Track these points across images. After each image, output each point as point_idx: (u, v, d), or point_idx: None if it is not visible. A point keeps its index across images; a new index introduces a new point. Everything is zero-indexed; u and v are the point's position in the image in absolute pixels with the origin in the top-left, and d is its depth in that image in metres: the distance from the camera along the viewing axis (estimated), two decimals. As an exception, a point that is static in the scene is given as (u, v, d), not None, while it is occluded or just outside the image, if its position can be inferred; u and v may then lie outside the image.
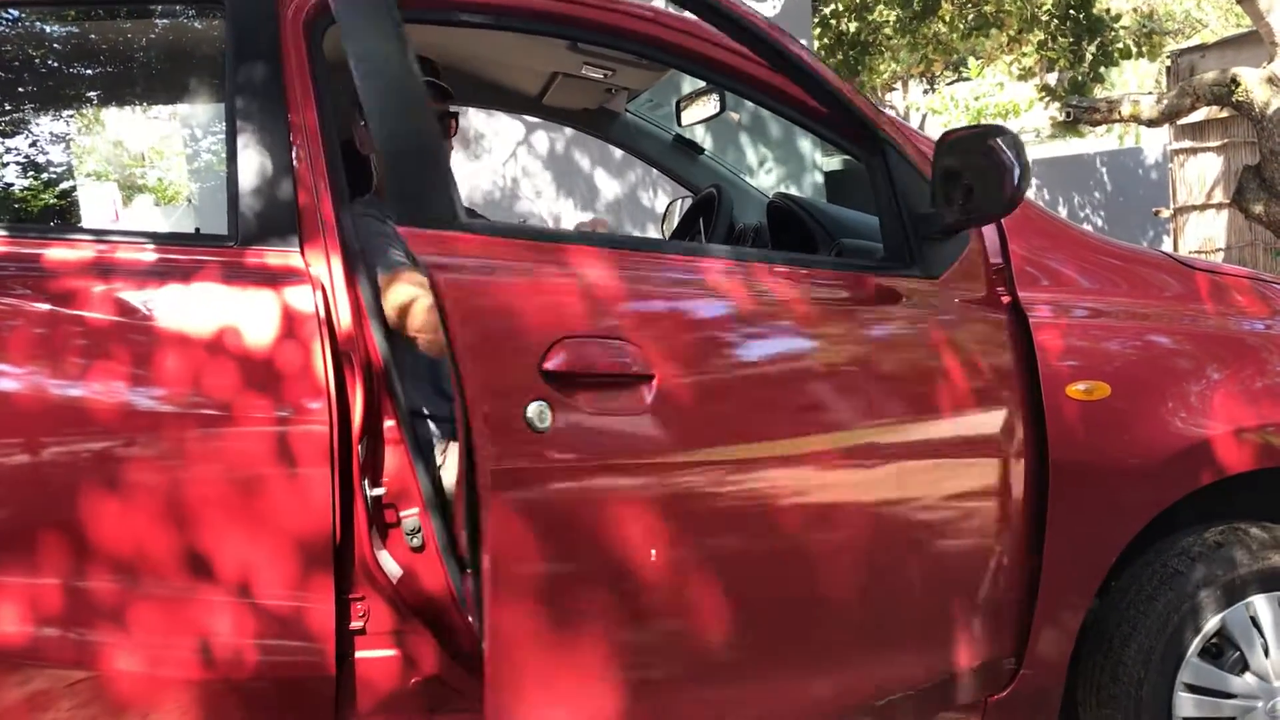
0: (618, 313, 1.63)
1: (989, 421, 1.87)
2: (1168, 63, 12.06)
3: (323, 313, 1.69)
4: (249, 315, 1.67)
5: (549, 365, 1.52)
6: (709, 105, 2.75)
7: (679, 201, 3.35)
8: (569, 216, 7.78)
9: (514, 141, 7.69)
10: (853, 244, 2.11)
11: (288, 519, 1.65)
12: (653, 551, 1.61)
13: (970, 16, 11.04)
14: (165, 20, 2.21)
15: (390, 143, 1.60)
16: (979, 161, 1.74)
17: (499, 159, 7.70)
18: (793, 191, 7.46)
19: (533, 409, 1.50)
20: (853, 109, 1.91)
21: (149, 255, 1.74)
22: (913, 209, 1.88)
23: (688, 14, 1.97)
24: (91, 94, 2.92)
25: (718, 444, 1.68)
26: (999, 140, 1.73)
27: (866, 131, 1.93)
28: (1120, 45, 10.32)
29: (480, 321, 1.50)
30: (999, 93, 19.41)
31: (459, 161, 7.59)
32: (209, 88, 2.76)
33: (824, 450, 1.78)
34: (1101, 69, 10.43)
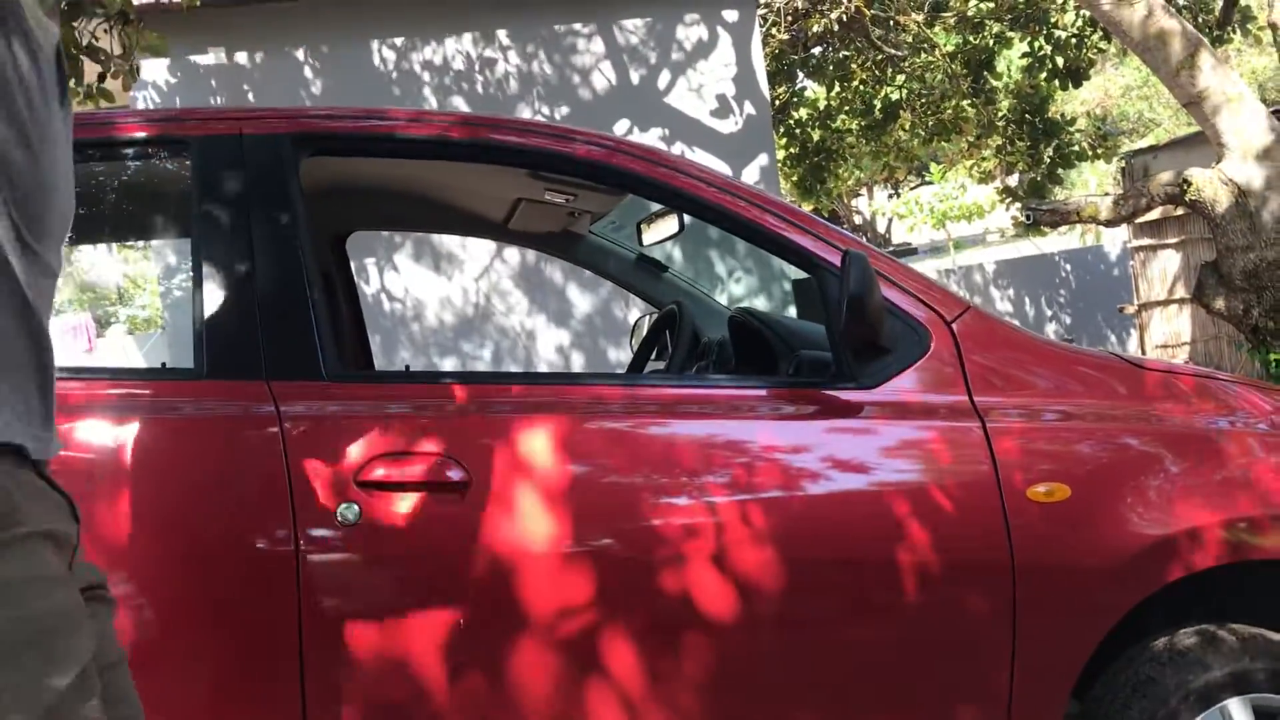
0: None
1: (947, 529, 1.88)
2: (1122, 163, 12.40)
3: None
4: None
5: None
6: (669, 225, 2.82)
7: (646, 317, 3.40)
8: (543, 332, 7.85)
9: (486, 258, 7.80)
10: (811, 355, 2.15)
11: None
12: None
13: (930, 123, 11.38)
14: (136, 162, 2.27)
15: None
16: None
17: (470, 276, 7.80)
18: (757, 304, 7.59)
19: None
20: (785, 243, 2.01)
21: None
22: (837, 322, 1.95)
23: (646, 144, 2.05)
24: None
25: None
26: (848, 263, 1.84)
27: (803, 260, 2.02)
28: (1076, 148, 10.65)
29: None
30: (961, 195, 19.92)
31: (431, 280, 7.68)
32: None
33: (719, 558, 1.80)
34: (1059, 170, 10.73)
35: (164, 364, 3.45)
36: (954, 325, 2.03)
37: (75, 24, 5.15)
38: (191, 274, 1.90)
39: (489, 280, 7.84)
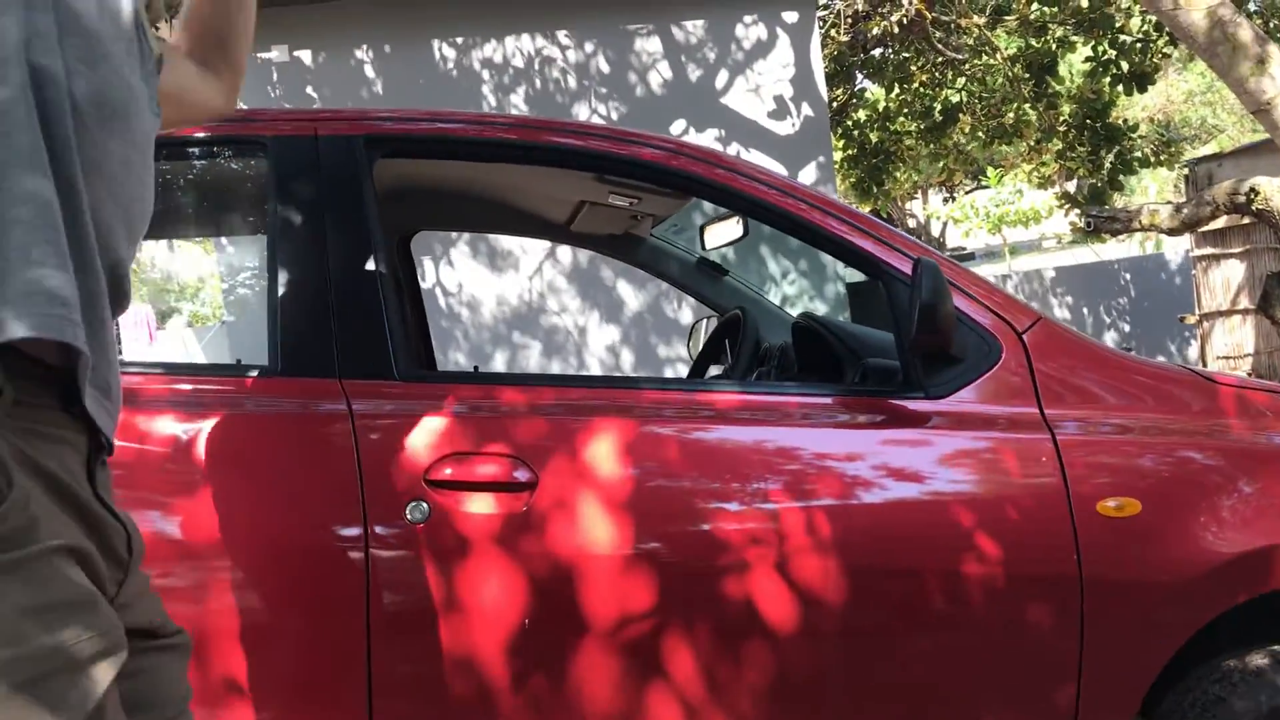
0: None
1: (1016, 541, 1.87)
2: (1186, 170, 12.19)
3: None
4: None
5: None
6: (732, 229, 2.82)
7: (704, 320, 3.40)
8: (594, 329, 7.88)
9: (539, 255, 7.84)
10: (877, 363, 2.14)
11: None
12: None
13: (990, 127, 11.25)
14: (212, 159, 2.31)
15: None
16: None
17: (525, 274, 7.84)
18: (814, 307, 7.55)
19: None
20: (851, 249, 2.00)
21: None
22: (907, 330, 1.94)
23: (708, 146, 2.07)
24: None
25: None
26: (920, 271, 1.83)
27: (870, 266, 2.01)
28: (1138, 154, 10.47)
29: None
30: (1018, 200, 19.68)
31: (486, 277, 7.73)
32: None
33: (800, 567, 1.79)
34: (1120, 176, 10.56)
35: (238, 360, 3.50)
36: (1025, 336, 2.02)
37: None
38: (267, 272, 1.93)
39: (542, 277, 7.88)
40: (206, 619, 1.72)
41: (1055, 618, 1.86)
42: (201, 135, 2.05)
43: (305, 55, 7.67)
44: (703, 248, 3.07)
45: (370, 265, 1.94)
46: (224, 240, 7.69)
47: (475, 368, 7.31)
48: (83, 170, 1.01)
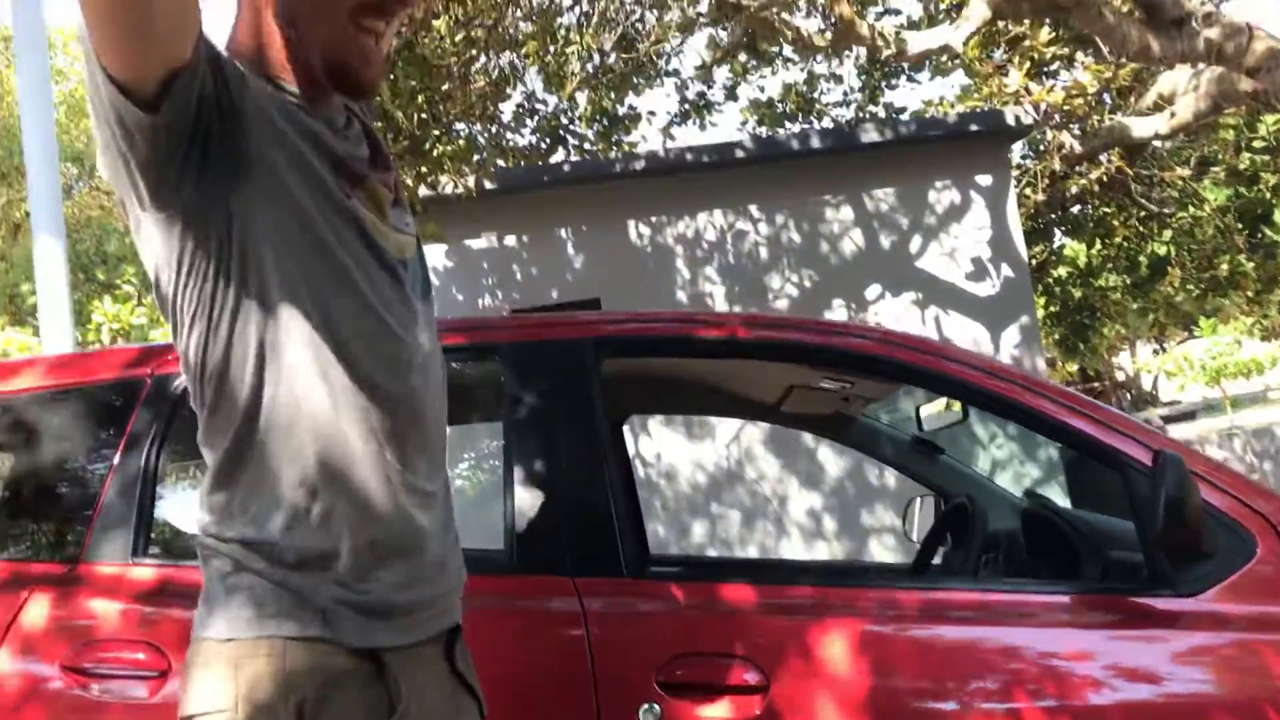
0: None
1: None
2: None
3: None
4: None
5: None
6: (950, 412, 2.78)
7: (918, 499, 3.32)
8: (794, 495, 7.78)
9: (736, 423, 7.87)
10: (1119, 557, 2.04)
11: None
12: None
13: (1203, 279, 10.80)
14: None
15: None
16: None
17: (722, 441, 7.88)
18: (1026, 481, 7.25)
19: None
20: (1076, 435, 1.94)
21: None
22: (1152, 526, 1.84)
23: (918, 335, 2.08)
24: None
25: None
26: (1163, 465, 1.74)
27: (1101, 454, 1.95)
28: (1372, 301, 9.79)
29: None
30: (1238, 351, 18.61)
31: (683, 445, 7.80)
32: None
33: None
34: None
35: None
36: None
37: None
38: (503, 470, 2.01)
39: (739, 444, 7.90)
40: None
41: None
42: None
43: (511, 240, 8.13)
44: (919, 429, 3.03)
45: (599, 463, 2.00)
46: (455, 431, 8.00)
47: (687, 557, 7.32)
48: None
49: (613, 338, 2.16)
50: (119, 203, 1.21)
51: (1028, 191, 9.68)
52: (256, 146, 1.17)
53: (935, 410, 2.87)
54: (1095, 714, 1.75)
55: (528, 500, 1.98)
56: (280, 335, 1.17)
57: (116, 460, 2.02)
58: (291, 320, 1.17)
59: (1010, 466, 7.35)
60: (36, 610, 1.86)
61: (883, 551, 7.59)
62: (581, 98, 9.95)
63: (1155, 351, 21.32)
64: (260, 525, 1.17)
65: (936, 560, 2.84)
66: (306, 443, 1.18)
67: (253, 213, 1.16)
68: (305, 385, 1.18)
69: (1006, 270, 8.20)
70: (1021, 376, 2.10)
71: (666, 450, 7.88)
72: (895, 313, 8.07)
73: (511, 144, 9.66)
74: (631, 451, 7.86)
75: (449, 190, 7.19)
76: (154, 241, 1.18)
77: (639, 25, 9.21)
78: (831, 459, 7.79)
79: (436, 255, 7.97)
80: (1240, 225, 9.61)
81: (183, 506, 2.21)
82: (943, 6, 9.28)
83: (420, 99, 5.39)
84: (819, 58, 9.31)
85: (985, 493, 2.93)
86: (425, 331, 1.34)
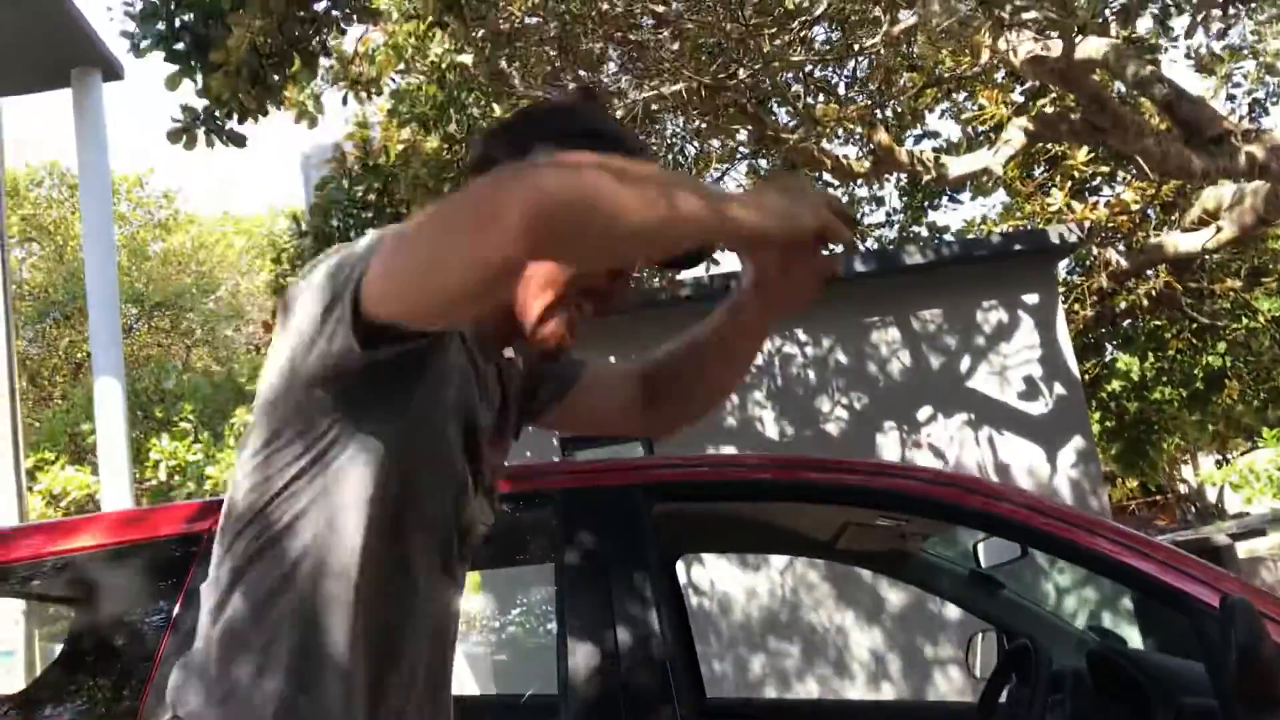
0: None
1: None
2: None
3: None
4: None
5: None
6: (1010, 548, 2.73)
7: (979, 635, 3.24)
8: (853, 629, 7.61)
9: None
10: (1195, 705, 1.97)
11: None
12: None
13: (1262, 390, 10.62)
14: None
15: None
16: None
17: (777, 569, 7.76)
18: (1086, 613, 7.04)
19: None
20: (1137, 576, 1.91)
21: None
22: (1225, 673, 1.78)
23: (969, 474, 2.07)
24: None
25: None
26: (1233, 612, 1.70)
27: (1166, 596, 1.91)
28: None
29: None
30: (1305, 461, 18.12)
31: (738, 576, 7.68)
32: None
33: None
34: None
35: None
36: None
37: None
38: (556, 625, 2.01)
39: (794, 573, 7.77)
40: None
41: None
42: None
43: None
44: (977, 565, 2.98)
45: (653, 613, 1.99)
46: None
47: (747, 701, 7.13)
48: None
49: (664, 483, 2.18)
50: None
51: (1076, 307, 9.65)
52: (420, 397, 1.18)
53: (995, 545, 2.82)
54: None
55: (582, 658, 1.97)
56: (333, 542, 1.17)
57: (175, 614, 2.04)
58: (348, 533, 1.17)
59: (1075, 593, 7.14)
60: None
61: (945, 685, 7.36)
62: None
63: (1218, 463, 20.81)
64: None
65: (1002, 699, 2.76)
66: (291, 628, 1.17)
67: (384, 436, 1.16)
68: (324, 591, 1.17)
69: (1059, 388, 8.11)
70: (1076, 515, 2.08)
71: (719, 579, 7.77)
72: (948, 434, 7.99)
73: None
74: (683, 580, 7.75)
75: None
76: (293, 411, 1.17)
77: (681, 157, 9.43)
78: (890, 590, 7.63)
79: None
80: (1296, 336, 9.50)
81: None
82: (981, 128, 9.42)
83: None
84: (859, 182, 9.45)
85: (1048, 628, 2.86)
86: (452, 599, 1.33)
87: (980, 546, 2.89)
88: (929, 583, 3.14)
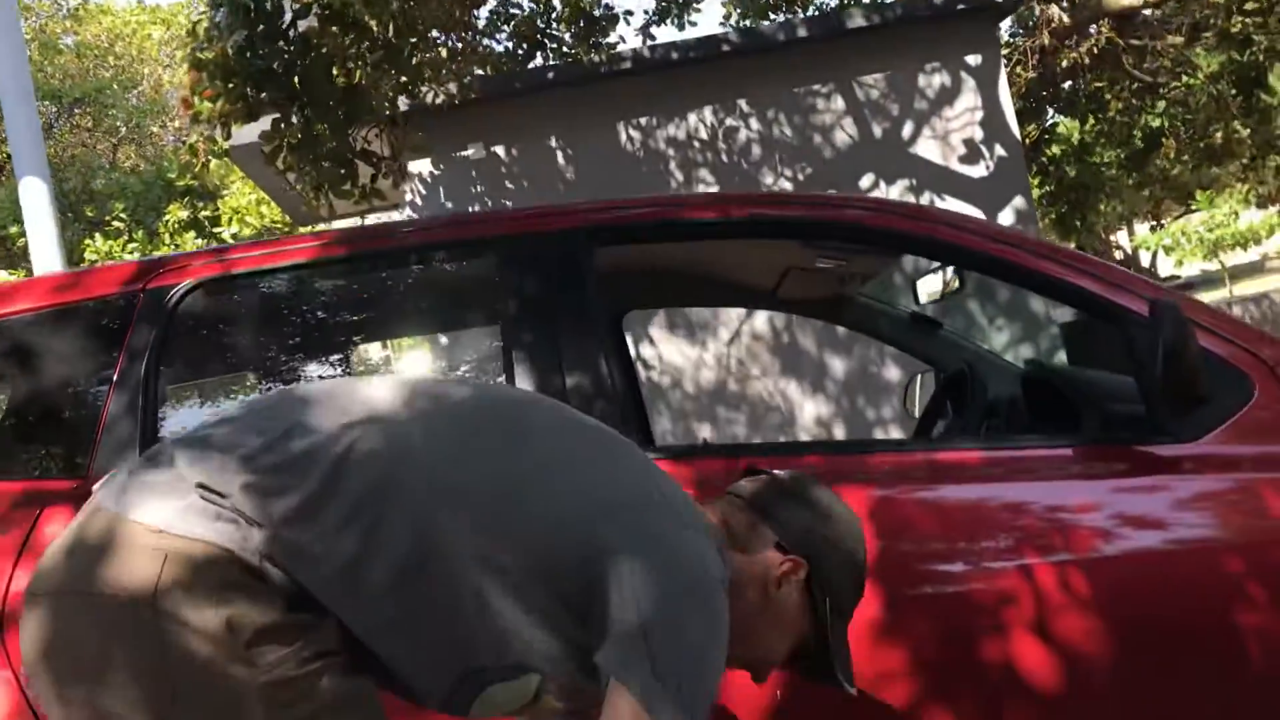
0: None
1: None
2: None
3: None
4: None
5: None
6: (947, 281, 2.77)
7: (918, 376, 3.34)
8: (798, 398, 7.82)
9: (736, 323, 7.87)
10: (1120, 410, 2.05)
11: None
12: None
13: (1197, 149, 10.68)
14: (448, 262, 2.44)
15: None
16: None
17: (722, 342, 7.88)
18: (1022, 350, 7.27)
19: None
20: (1074, 291, 1.94)
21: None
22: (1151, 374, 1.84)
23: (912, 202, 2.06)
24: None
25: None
26: (1161, 313, 1.75)
27: (1099, 309, 1.95)
28: (1370, 160, 9.71)
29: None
30: (1234, 222, 18.51)
31: (685, 350, 7.81)
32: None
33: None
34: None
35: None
36: (1278, 369, 1.90)
37: (350, 132, 5.61)
38: (502, 365, 2.01)
39: (740, 345, 7.90)
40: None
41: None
42: (439, 239, 2.18)
43: (500, 150, 8.04)
44: (916, 302, 3.03)
45: (598, 354, 1.99)
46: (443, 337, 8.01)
47: (704, 440, 7.36)
48: None
49: (605, 225, 2.14)
50: None
51: (1018, 69, 9.53)
52: None
53: (933, 286, 2.87)
54: (1103, 564, 1.78)
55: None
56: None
57: (116, 376, 2.02)
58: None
59: (1009, 343, 7.36)
60: (50, 527, 1.88)
61: (886, 435, 7.64)
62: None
63: (1152, 228, 21.19)
64: None
65: (938, 430, 2.86)
66: None
67: None
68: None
69: (1000, 151, 8.11)
70: (1022, 239, 2.09)
71: (668, 353, 7.89)
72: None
73: (488, 50, 9.47)
74: (632, 355, 7.86)
75: (430, 99, 7.08)
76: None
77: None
78: (833, 358, 7.79)
79: (423, 167, 7.88)
80: (1234, 91, 9.47)
81: (183, 419, 2.21)
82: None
83: (394, 5, 5.27)
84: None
85: (985, 363, 2.94)
86: None
87: (918, 285, 2.94)
88: (869, 326, 3.18)
